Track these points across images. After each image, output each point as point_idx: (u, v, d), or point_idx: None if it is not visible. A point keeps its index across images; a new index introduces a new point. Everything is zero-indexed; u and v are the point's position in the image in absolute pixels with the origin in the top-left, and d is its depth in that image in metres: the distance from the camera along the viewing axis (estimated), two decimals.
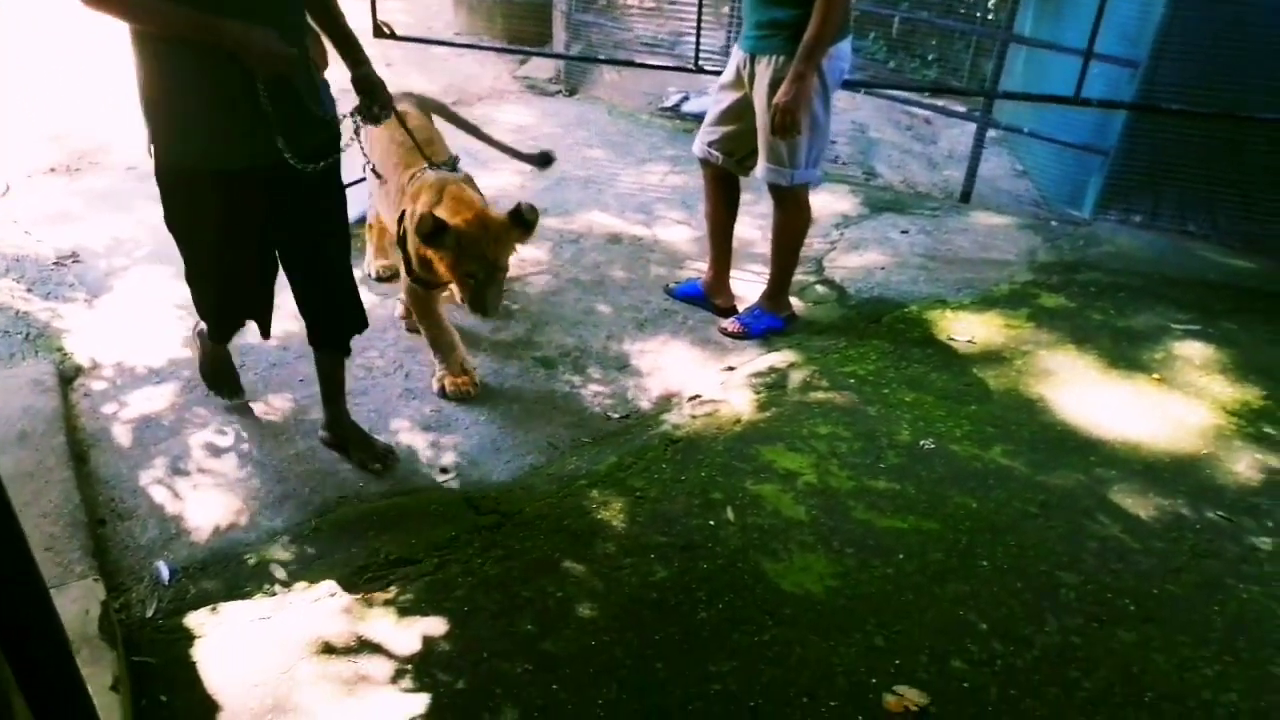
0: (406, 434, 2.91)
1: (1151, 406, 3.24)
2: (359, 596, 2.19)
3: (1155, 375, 3.44)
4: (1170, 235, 4.75)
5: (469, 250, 2.68)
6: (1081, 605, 2.31)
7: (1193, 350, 3.63)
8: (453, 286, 2.89)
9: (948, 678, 2.07)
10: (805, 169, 3.27)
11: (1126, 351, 3.59)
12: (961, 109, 6.28)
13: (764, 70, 3.13)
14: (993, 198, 5.50)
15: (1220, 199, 4.75)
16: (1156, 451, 2.97)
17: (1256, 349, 3.70)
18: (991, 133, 6.56)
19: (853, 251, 4.42)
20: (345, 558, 2.33)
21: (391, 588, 2.22)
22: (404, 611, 2.14)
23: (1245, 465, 2.95)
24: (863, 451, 2.85)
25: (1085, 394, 3.27)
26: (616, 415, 3.10)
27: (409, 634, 2.08)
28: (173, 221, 2.32)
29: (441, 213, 2.67)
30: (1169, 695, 2.06)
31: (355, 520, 2.49)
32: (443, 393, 3.05)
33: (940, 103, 6.47)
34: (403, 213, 2.88)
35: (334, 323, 2.57)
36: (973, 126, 5.39)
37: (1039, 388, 3.31)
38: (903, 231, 4.70)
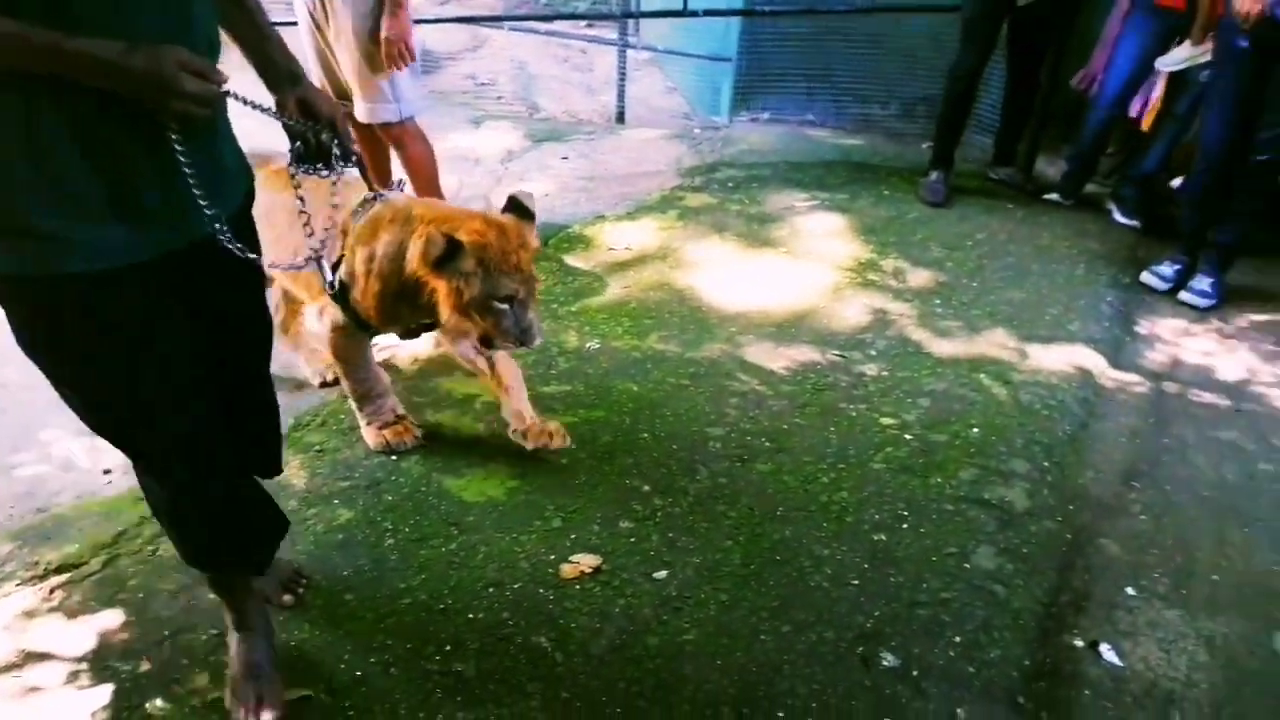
0: (60, 444, 2.74)
1: (781, 276, 3.69)
2: (19, 612, 2.08)
3: (783, 249, 3.91)
4: (792, 126, 5.33)
5: (499, 267, 2.08)
6: (727, 451, 2.65)
7: (813, 222, 4.15)
8: (457, 324, 2.24)
9: (617, 537, 2.31)
10: (410, 100, 3.30)
11: (759, 233, 4.04)
12: (613, 36, 6.58)
13: (344, 5, 3.08)
14: (647, 116, 5.86)
15: (824, 90, 5.38)
16: (785, 312, 3.41)
17: (864, 213, 4.29)
18: (643, 55, 6.95)
19: (518, 183, 4.58)
20: None
21: (56, 594, 2.13)
22: (72, 614, 2.07)
23: (855, 309, 3.46)
24: (535, 364, 3.04)
25: (727, 276, 3.66)
26: (284, 375, 3.08)
27: (80, 634, 2.02)
28: (66, 368, 1.47)
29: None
30: (796, 506, 2.44)
31: (5, 540, 2.34)
32: (386, 448, 2.58)
33: (593, 33, 6.76)
34: (339, 260, 2.23)
35: (274, 446, 1.94)
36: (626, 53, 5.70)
37: (688, 278, 3.66)
38: (563, 158, 4.93)
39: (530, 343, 2.16)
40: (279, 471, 1.98)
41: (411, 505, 2.42)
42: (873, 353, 3.18)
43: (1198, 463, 2.77)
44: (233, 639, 1.87)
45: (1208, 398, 3.12)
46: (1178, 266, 3.85)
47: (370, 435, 2.59)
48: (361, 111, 3.24)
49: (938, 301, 3.56)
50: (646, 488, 2.49)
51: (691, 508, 2.42)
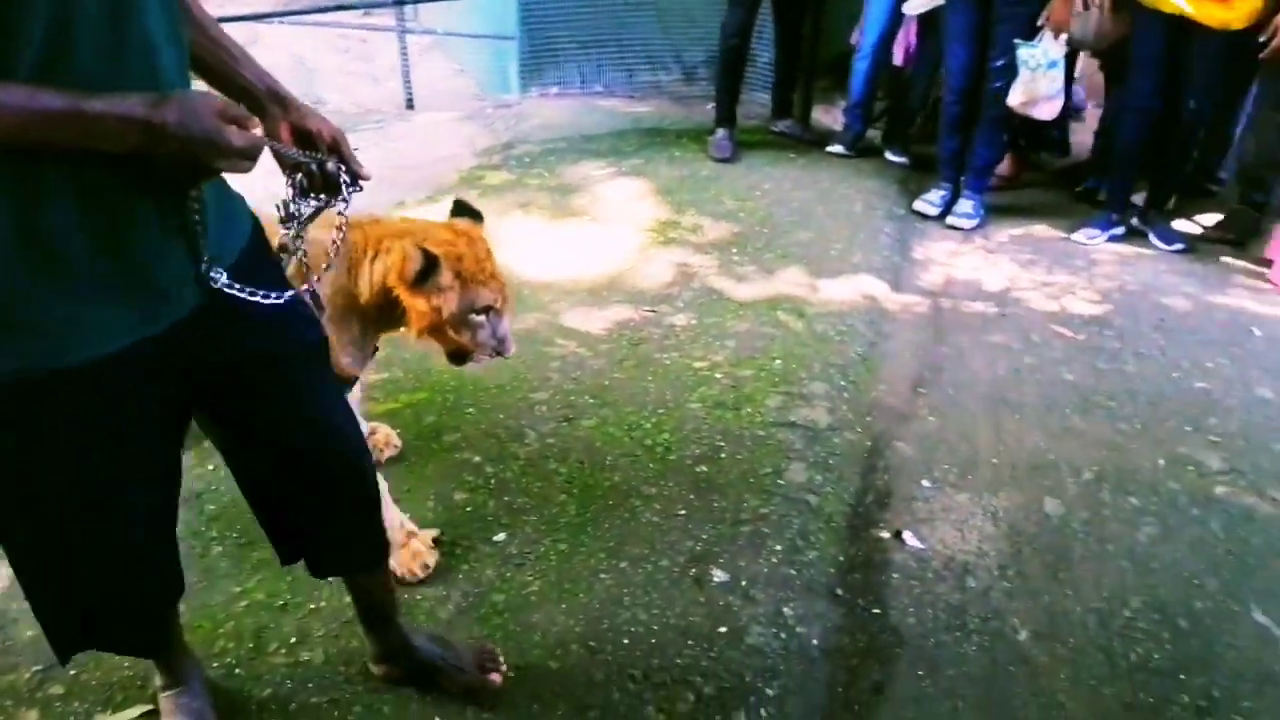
0: None
1: (588, 242, 3.79)
2: None
3: (587, 217, 4.01)
4: (582, 98, 5.44)
5: (474, 277, 1.93)
6: (552, 413, 2.73)
7: (613, 189, 4.27)
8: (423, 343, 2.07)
9: (453, 509, 2.35)
10: None
11: (562, 204, 4.12)
12: (393, 24, 6.45)
13: None
14: (436, 100, 5.81)
15: (610, 60, 5.52)
16: (595, 276, 3.51)
17: (659, 175, 4.46)
18: (426, 40, 6.84)
19: None
20: None
21: None
22: None
23: (661, 266, 3.61)
24: None
25: (537, 249, 3.73)
26: None
27: None
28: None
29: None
30: (623, 453, 2.55)
31: None
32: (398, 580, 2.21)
33: (371, 21, 6.60)
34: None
35: (367, 536, 1.67)
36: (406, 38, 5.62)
37: (497, 254, 3.69)
38: (355, 149, 4.81)
39: (507, 351, 2.03)
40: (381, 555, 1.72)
41: (237, 511, 2.35)
42: (680, 304, 3.34)
43: (973, 365, 3.09)
44: (166, 698, 1.73)
45: (978, 307, 3.48)
46: (944, 193, 4.24)
47: None
48: None
49: (734, 250, 3.77)
50: (477, 459, 2.54)
51: (523, 470, 2.49)
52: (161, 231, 1.14)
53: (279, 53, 6.56)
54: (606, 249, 3.73)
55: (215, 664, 1.91)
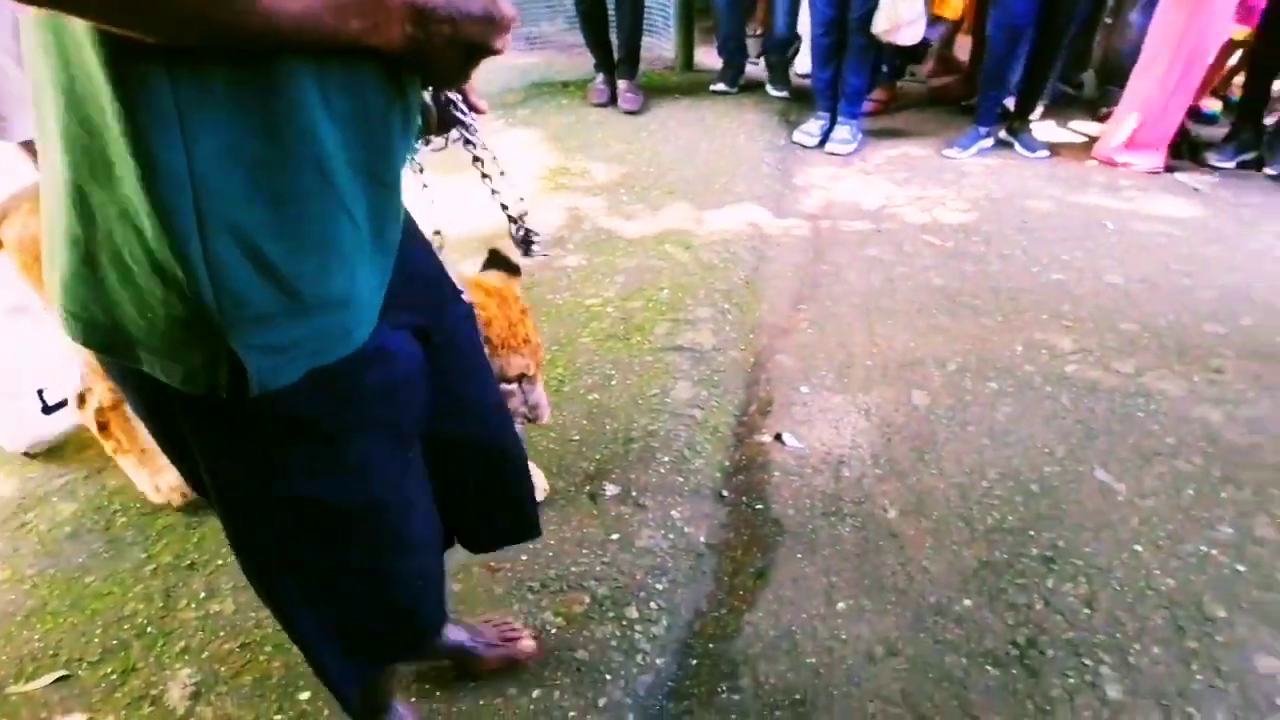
0: None
1: (481, 195, 3.83)
2: None
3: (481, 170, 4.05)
4: None
5: (507, 344, 1.75)
6: None
7: (505, 140, 4.32)
8: None
9: None
10: None
11: (452, 159, 4.15)
12: None
13: None
14: None
15: None
16: (489, 227, 3.57)
17: (548, 124, 4.51)
18: None
19: None
20: None
21: None
22: None
23: (554, 212, 3.69)
24: None
25: (429, 204, 3.76)
26: None
27: None
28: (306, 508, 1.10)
29: None
30: None
31: None
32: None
33: None
34: None
35: (516, 511, 1.56)
36: None
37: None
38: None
39: (541, 418, 1.86)
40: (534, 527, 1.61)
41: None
42: (571, 247, 3.43)
43: (850, 279, 3.26)
44: None
45: (855, 226, 3.64)
46: (822, 122, 4.38)
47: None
48: None
49: (623, 191, 3.86)
50: None
51: None
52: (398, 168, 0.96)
53: None
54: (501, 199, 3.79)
55: (126, 625, 1.97)
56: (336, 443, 1.05)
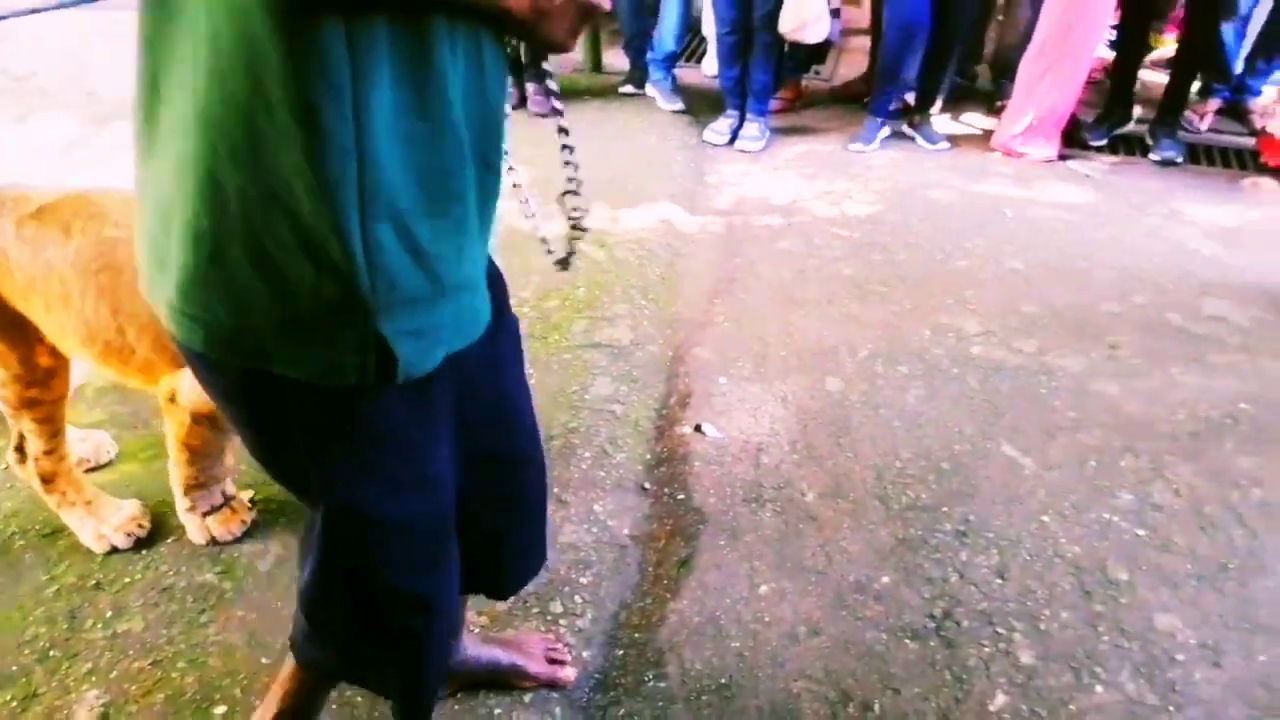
0: None
1: None
2: None
3: None
4: None
5: None
6: None
7: None
8: None
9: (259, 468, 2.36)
10: None
11: None
12: None
13: None
14: None
15: None
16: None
17: None
18: None
19: (95, 170, 4.23)
20: None
21: None
22: None
23: None
24: None
25: None
26: None
27: None
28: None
29: None
30: None
31: None
32: (211, 540, 2.11)
33: None
34: None
35: (541, 539, 1.49)
36: None
37: None
38: None
39: None
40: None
41: (35, 505, 2.29)
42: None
43: (763, 272, 3.31)
44: None
45: (766, 220, 3.70)
46: (731, 121, 4.44)
47: (194, 526, 2.11)
48: None
49: (536, 193, 3.84)
50: None
51: None
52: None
53: (38, 48, 6.11)
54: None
55: (28, 650, 1.88)
56: (426, 448, 1.06)
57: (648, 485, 2.31)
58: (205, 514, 2.09)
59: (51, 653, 1.88)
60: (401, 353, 0.87)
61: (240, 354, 0.89)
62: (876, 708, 1.74)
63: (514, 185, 1.24)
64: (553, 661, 1.74)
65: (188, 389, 1.80)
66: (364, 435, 0.98)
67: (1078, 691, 1.76)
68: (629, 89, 4.96)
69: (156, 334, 1.73)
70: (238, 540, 2.12)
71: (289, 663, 1.48)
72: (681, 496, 2.27)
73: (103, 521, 2.12)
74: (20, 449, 2.06)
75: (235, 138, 0.77)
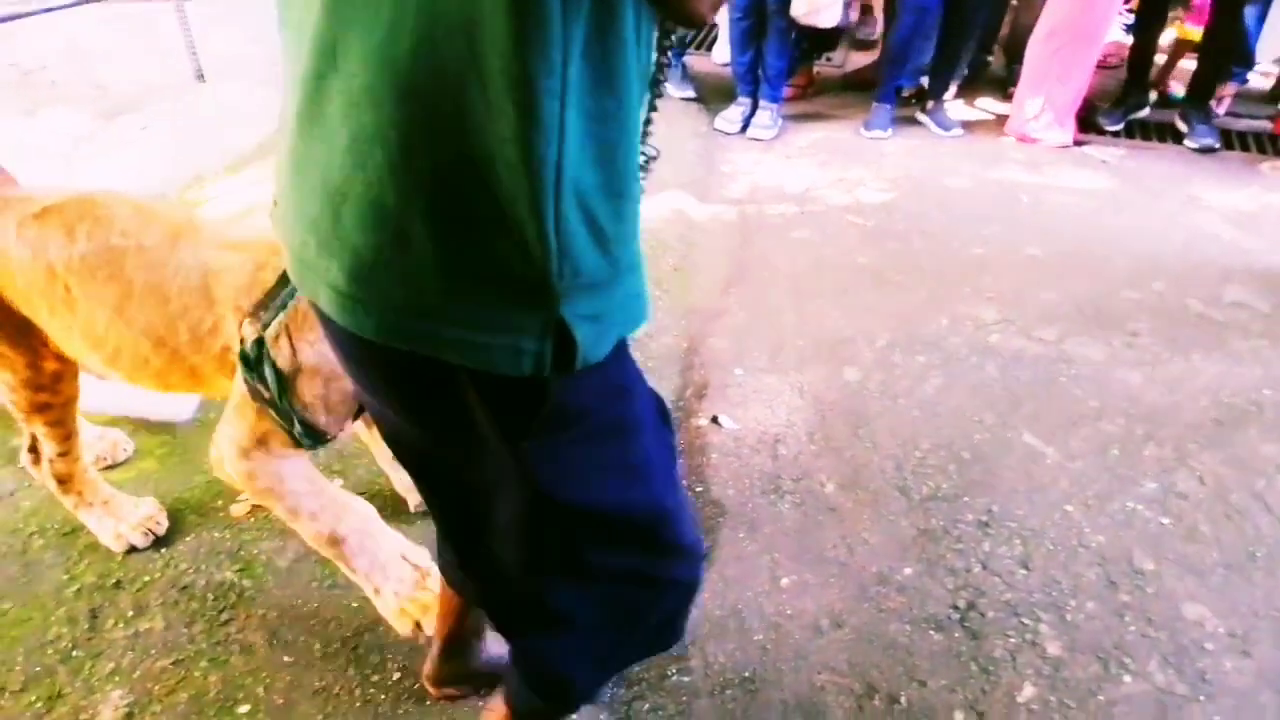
0: None
1: None
2: None
3: None
4: None
5: None
6: None
7: None
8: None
9: None
10: None
11: None
12: None
13: None
14: (231, 69, 5.55)
15: None
16: None
17: None
18: (218, 8, 6.49)
19: (100, 163, 4.23)
20: None
21: None
22: None
23: None
24: None
25: None
26: None
27: None
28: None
29: None
30: None
31: None
32: (416, 633, 1.77)
33: None
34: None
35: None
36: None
37: None
38: (143, 129, 4.59)
39: None
40: None
41: (54, 504, 2.29)
42: None
43: (778, 261, 3.28)
44: None
45: (780, 209, 3.67)
46: (743, 109, 4.41)
47: (392, 616, 1.76)
48: None
49: None
50: None
51: None
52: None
53: (46, 41, 6.11)
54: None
55: (50, 650, 1.89)
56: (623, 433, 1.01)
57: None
58: (398, 595, 1.74)
59: (74, 653, 1.88)
60: (580, 338, 0.84)
61: (413, 340, 0.85)
62: (903, 700, 1.72)
63: None
64: None
65: (230, 431, 1.65)
66: (552, 421, 0.93)
67: (1106, 682, 1.74)
68: None
69: (175, 348, 1.68)
70: (261, 538, 2.12)
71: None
72: (700, 489, 2.26)
73: (120, 520, 2.12)
74: (34, 450, 2.06)
75: (441, 110, 0.73)
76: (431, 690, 1.71)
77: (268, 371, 1.54)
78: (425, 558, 1.79)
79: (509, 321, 0.82)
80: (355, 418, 1.72)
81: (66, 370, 1.93)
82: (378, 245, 0.81)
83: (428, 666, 1.68)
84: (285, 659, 1.83)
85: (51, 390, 1.93)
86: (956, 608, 1.91)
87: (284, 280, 1.55)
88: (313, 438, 1.62)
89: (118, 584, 2.04)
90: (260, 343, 1.53)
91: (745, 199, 3.77)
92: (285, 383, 1.56)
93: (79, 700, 1.77)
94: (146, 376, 1.77)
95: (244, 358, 1.54)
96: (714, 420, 2.47)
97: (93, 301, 1.69)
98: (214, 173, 4.02)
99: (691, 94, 4.71)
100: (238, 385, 1.62)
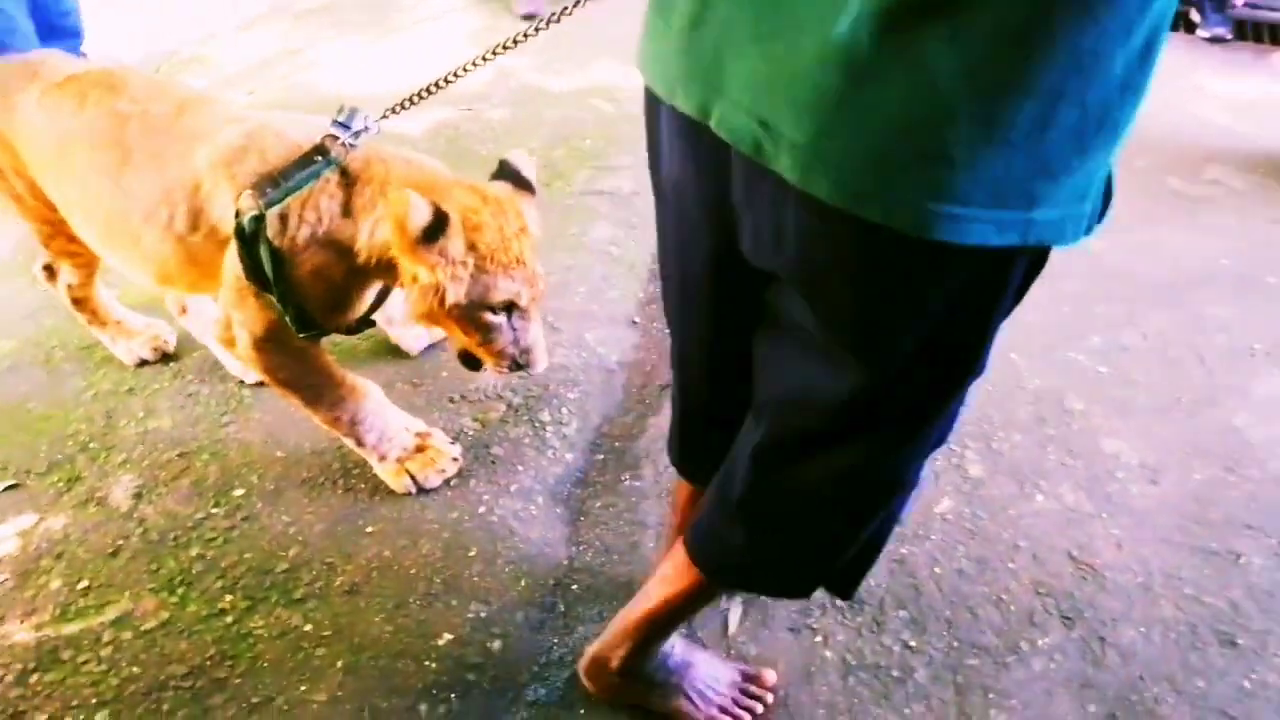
0: None
1: (406, 55, 3.84)
2: None
3: (406, 31, 4.04)
4: None
5: (495, 259, 1.51)
6: None
7: (431, 6, 4.28)
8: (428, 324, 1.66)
9: None
10: None
11: (380, 21, 4.12)
12: None
13: None
14: None
15: None
16: (413, 84, 3.60)
17: None
18: None
19: None
20: None
21: None
22: None
23: (482, 70, 3.70)
24: None
25: (354, 65, 3.77)
26: None
27: None
28: None
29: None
30: None
31: None
32: (415, 487, 1.89)
33: None
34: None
35: None
36: None
37: (318, 77, 3.71)
38: None
39: (534, 367, 1.62)
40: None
41: (74, 322, 2.48)
42: (496, 101, 3.48)
43: None
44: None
45: None
46: None
47: (390, 476, 1.90)
48: None
49: (552, 49, 3.87)
50: None
51: None
52: None
53: None
54: (424, 59, 3.80)
55: (70, 442, 2.10)
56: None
57: (638, 320, 2.44)
58: (400, 459, 1.89)
59: (91, 445, 2.09)
60: (1113, 192, 0.85)
61: (1022, 232, 0.80)
62: None
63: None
64: (745, 692, 1.55)
65: (238, 316, 1.67)
66: (1010, 304, 0.95)
67: (1020, 500, 1.90)
68: None
69: (169, 222, 1.66)
70: None
71: (672, 570, 1.37)
72: (669, 331, 2.40)
73: (132, 338, 2.31)
74: (49, 268, 2.20)
75: None
76: (589, 685, 1.53)
77: (263, 250, 1.53)
78: (422, 425, 1.95)
79: (1090, 186, 0.82)
80: (361, 324, 1.77)
81: None
82: (1016, 142, 0.75)
83: (602, 655, 1.49)
84: (278, 454, 2.02)
85: (78, 243, 1.99)
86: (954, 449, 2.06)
87: (300, 163, 1.54)
88: (306, 327, 1.62)
89: (130, 390, 2.24)
90: (259, 218, 1.52)
91: None
92: (281, 265, 1.55)
93: (94, 482, 1.99)
94: (141, 259, 1.77)
95: (239, 231, 1.54)
96: None
97: (93, 171, 1.70)
98: (227, 29, 4.10)
99: None
100: (232, 263, 1.61)
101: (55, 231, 2.01)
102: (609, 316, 2.42)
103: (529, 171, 1.67)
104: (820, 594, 1.66)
